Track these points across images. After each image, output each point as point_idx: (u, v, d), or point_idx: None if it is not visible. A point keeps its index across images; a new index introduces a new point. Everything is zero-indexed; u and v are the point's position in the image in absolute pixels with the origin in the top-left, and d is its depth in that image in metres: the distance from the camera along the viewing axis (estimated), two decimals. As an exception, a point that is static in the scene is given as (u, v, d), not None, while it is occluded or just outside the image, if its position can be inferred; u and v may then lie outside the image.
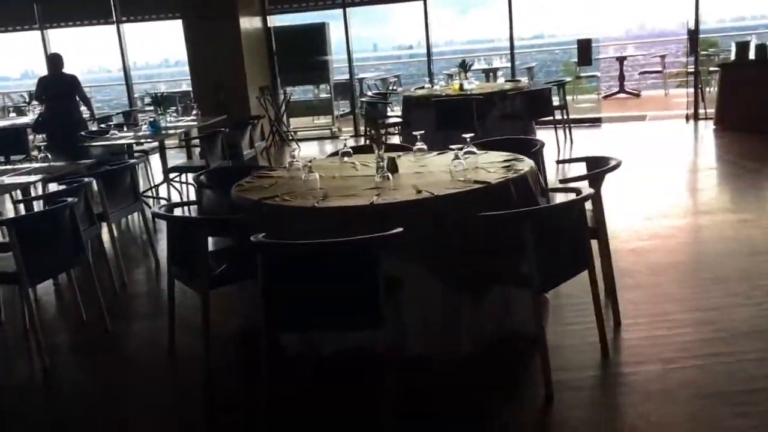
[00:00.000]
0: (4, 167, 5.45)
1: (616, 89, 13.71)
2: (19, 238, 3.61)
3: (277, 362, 3.22)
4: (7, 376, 3.83)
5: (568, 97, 9.40)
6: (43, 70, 8.95)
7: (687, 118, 10.14)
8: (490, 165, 3.73)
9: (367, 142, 8.87)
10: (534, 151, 4.28)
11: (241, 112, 9.72)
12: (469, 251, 3.19)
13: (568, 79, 11.16)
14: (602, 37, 18.60)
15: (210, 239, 3.64)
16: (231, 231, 3.73)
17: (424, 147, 4.30)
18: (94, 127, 8.51)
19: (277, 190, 3.63)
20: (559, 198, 4.65)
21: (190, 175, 6.94)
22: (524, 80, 10.52)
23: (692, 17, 10.01)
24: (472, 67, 11.03)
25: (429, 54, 11.42)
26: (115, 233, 5.34)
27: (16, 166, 5.60)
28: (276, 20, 11.67)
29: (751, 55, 9.20)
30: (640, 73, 15.00)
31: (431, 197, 3.23)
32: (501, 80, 10.10)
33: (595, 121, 10.83)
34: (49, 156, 5.57)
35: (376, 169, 3.65)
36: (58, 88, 8.14)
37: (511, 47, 11.20)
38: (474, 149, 3.86)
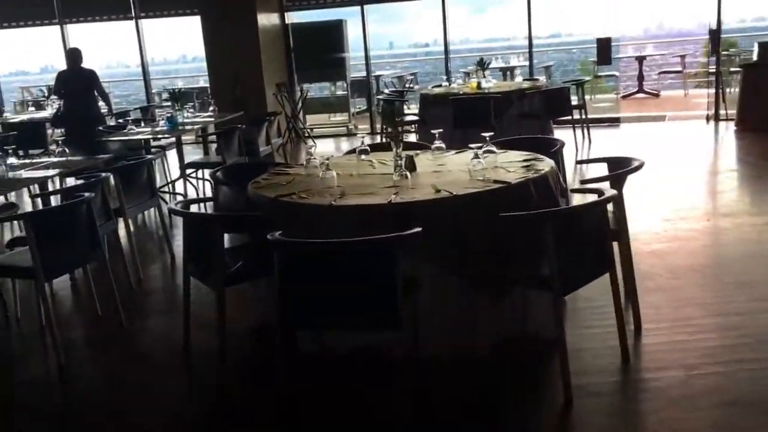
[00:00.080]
0: (22, 161, 5.46)
1: (635, 89, 13.58)
2: (35, 232, 3.61)
3: (292, 360, 3.20)
4: (24, 371, 3.84)
5: (586, 97, 9.32)
6: (62, 65, 8.99)
7: (707, 118, 10.01)
8: (509, 164, 3.68)
9: (385, 139, 8.83)
10: (554, 150, 4.22)
11: (258, 109, 9.72)
12: (488, 252, 3.14)
13: (587, 78, 11.06)
14: (620, 36, 18.42)
15: (226, 236, 3.62)
16: (247, 228, 3.71)
17: (443, 145, 4.26)
18: (111, 122, 8.54)
19: (294, 187, 3.60)
20: (577, 199, 4.60)
21: (207, 171, 6.94)
22: (542, 79, 10.44)
23: (714, 17, 9.88)
24: (490, 66, 10.95)
25: (446, 52, 11.36)
26: (132, 228, 5.34)
27: (34, 161, 5.62)
28: (294, 17, 11.66)
29: (775, 56, 9.07)
30: (660, 73, 14.84)
31: (450, 196, 3.19)
32: (519, 79, 10.00)
33: (614, 121, 10.73)
34: (67, 150, 5.57)
35: (394, 168, 3.61)
36: (77, 83, 8.16)
37: (530, 46, 11.12)
38: (493, 148, 3.81)
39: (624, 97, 13.29)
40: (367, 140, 4.54)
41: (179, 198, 7.37)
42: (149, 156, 6.30)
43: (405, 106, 9.42)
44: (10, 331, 4.34)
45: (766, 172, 7.04)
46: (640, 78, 13.48)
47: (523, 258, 3.18)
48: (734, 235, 5.07)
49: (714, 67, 10.34)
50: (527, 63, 11.53)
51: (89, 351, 4.13)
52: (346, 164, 4.15)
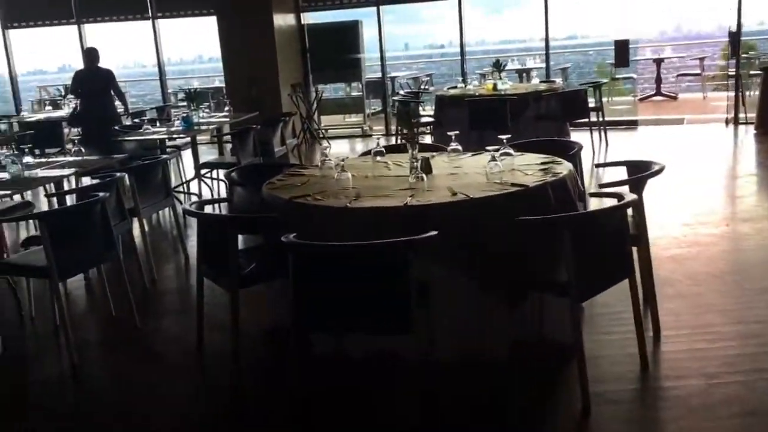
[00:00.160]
0: (38, 160, 5.48)
1: (652, 91, 13.45)
2: (50, 232, 3.61)
3: (305, 362, 3.17)
4: (38, 370, 3.84)
5: (603, 99, 9.24)
6: (79, 65, 9.03)
7: (727, 122, 9.89)
8: (527, 167, 3.63)
9: (401, 141, 8.79)
10: (572, 153, 4.16)
11: (273, 109, 9.71)
12: (505, 257, 3.10)
13: (605, 80, 10.97)
14: (637, 38, 18.28)
15: (240, 237, 3.59)
16: (261, 230, 3.68)
17: (459, 147, 4.21)
18: (127, 122, 8.57)
19: (309, 188, 3.57)
20: (594, 203, 4.54)
21: (221, 171, 6.94)
22: (558, 81, 10.36)
23: (734, 19, 9.76)
24: (506, 67, 10.89)
25: (462, 53, 11.30)
26: (146, 228, 5.34)
27: (49, 159, 5.63)
28: (309, 17, 11.65)
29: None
30: (678, 76, 14.70)
31: (466, 200, 3.15)
32: (535, 81, 9.93)
33: (631, 124, 10.63)
34: (83, 150, 5.58)
35: (409, 170, 3.57)
36: (94, 83, 8.19)
37: (546, 47, 11.05)
38: (510, 151, 3.77)
39: (641, 99, 13.18)
40: (382, 141, 4.49)
41: (194, 198, 7.38)
42: (164, 156, 6.31)
43: (420, 108, 9.38)
44: (25, 330, 4.35)
45: (787, 176, 6.93)
46: (658, 80, 13.35)
47: (540, 263, 3.14)
48: (755, 241, 4.98)
49: (733, 69, 10.21)
50: (543, 65, 11.46)
51: (102, 351, 4.12)
52: (362, 166, 4.12)
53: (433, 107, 8.80)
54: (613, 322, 3.64)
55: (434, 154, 4.22)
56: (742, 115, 9.76)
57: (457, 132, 4.34)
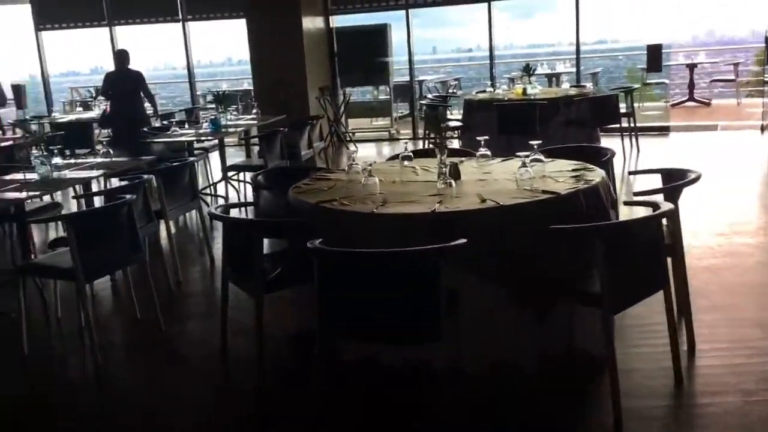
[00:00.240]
0: (67, 161, 5.51)
1: (684, 97, 13.21)
2: (76, 234, 3.61)
3: (331, 369, 3.12)
4: (62, 371, 3.85)
5: (635, 104, 9.08)
6: (110, 66, 9.11)
7: (762, 128, 9.67)
8: (558, 174, 3.55)
9: (428, 145, 8.73)
10: (604, 160, 4.07)
11: (301, 112, 9.71)
12: (535, 266, 3.02)
13: (636, 85, 10.79)
14: (668, 43, 18.00)
15: (266, 241, 3.56)
16: (287, 234, 3.65)
17: (488, 153, 4.14)
18: (156, 124, 8.62)
19: (336, 193, 3.53)
20: (625, 211, 4.43)
21: (248, 174, 6.93)
22: (589, 86, 10.21)
23: (770, 24, 9.55)
24: (535, 72, 10.77)
25: (491, 57, 11.21)
26: (173, 231, 5.34)
27: (78, 161, 5.67)
28: (338, 21, 11.65)
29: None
30: (711, 81, 14.42)
31: (496, 207, 3.08)
32: (566, 85, 9.80)
33: (663, 130, 10.44)
34: (111, 151, 5.61)
35: (438, 175, 3.51)
36: (125, 84, 8.25)
37: (577, 52, 10.91)
38: (541, 157, 3.68)
39: (674, 105, 12.95)
40: (410, 146, 4.43)
41: (221, 200, 7.40)
42: (191, 158, 6.31)
43: (448, 112, 9.30)
44: (50, 330, 4.36)
45: (826, 185, 6.73)
46: (691, 86, 13.10)
47: (571, 272, 3.05)
48: (793, 252, 4.84)
49: (769, 75, 9.99)
50: (573, 69, 11.31)
51: (127, 353, 4.12)
52: (389, 170, 4.07)
53: (461, 111, 8.73)
54: (645, 335, 3.54)
55: (463, 159, 4.15)
56: (777, 122, 9.54)
57: (487, 137, 4.26)
